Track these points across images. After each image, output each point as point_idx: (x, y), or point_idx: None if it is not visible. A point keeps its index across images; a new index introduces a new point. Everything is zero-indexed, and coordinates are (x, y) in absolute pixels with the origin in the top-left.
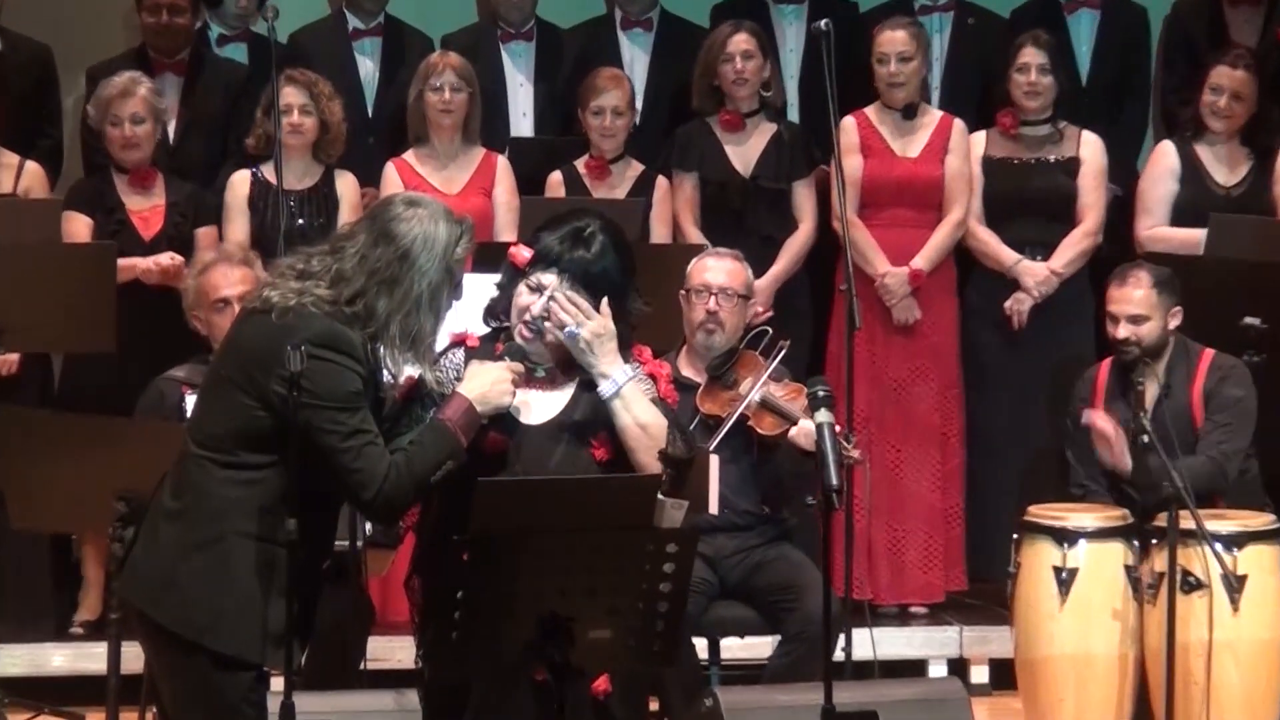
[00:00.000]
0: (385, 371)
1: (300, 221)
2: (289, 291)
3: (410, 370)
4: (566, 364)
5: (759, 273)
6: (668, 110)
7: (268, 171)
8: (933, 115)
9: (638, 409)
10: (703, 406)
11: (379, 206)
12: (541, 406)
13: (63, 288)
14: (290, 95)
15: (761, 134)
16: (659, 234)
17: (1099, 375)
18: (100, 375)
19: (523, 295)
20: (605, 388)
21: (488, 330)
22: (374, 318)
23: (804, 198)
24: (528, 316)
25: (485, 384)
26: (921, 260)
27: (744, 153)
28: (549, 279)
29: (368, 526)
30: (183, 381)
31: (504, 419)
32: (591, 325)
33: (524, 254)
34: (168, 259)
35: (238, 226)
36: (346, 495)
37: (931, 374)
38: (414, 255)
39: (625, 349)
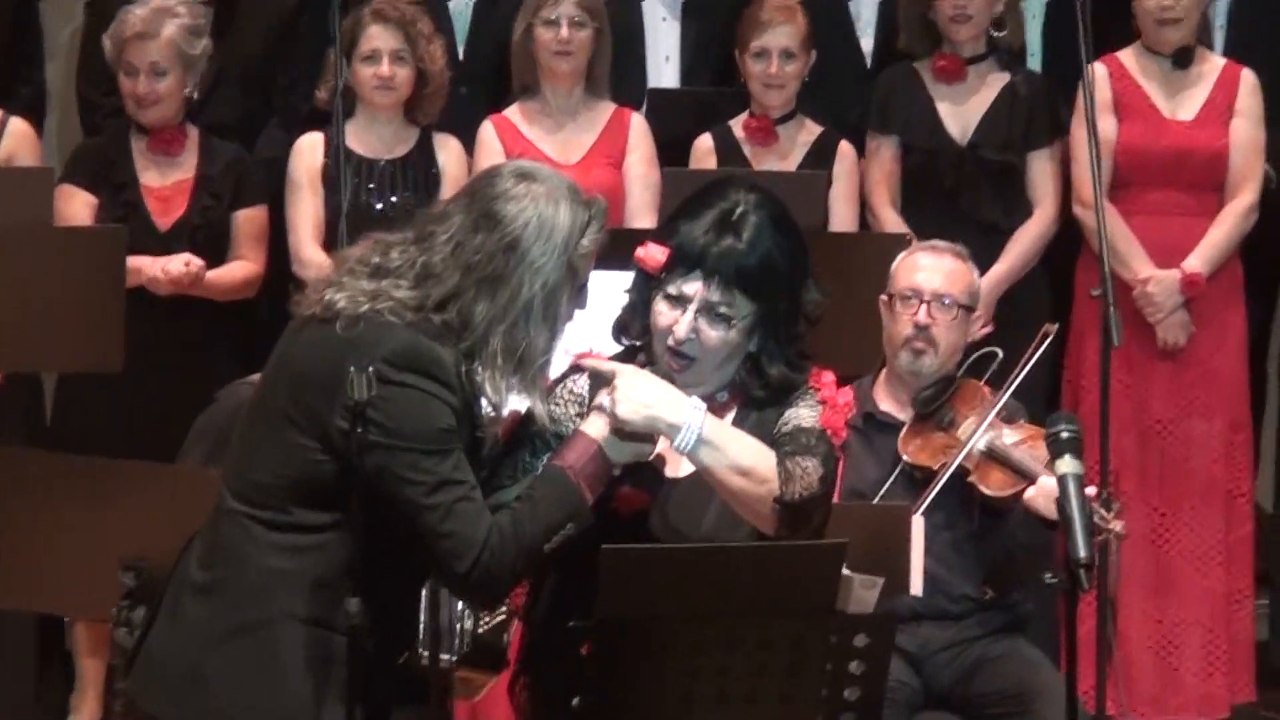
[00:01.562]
0: (484, 401)
1: (393, 200)
2: (359, 294)
3: (516, 401)
4: (733, 390)
5: (981, 272)
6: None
7: (345, 133)
8: (1213, 64)
9: (734, 449)
10: (908, 453)
11: (481, 180)
12: None
13: (56, 286)
14: (378, 37)
15: (989, 87)
16: (843, 218)
17: None
18: (105, 405)
19: (662, 313)
20: (681, 440)
21: (620, 349)
22: (470, 328)
23: (1043, 174)
24: (672, 341)
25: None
26: (1198, 261)
27: (963, 112)
28: (692, 287)
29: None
30: None
31: (643, 469)
32: (619, 382)
33: (656, 256)
34: (180, 265)
35: (306, 208)
36: (433, 566)
37: (1212, 411)
38: (524, 246)
39: (800, 367)
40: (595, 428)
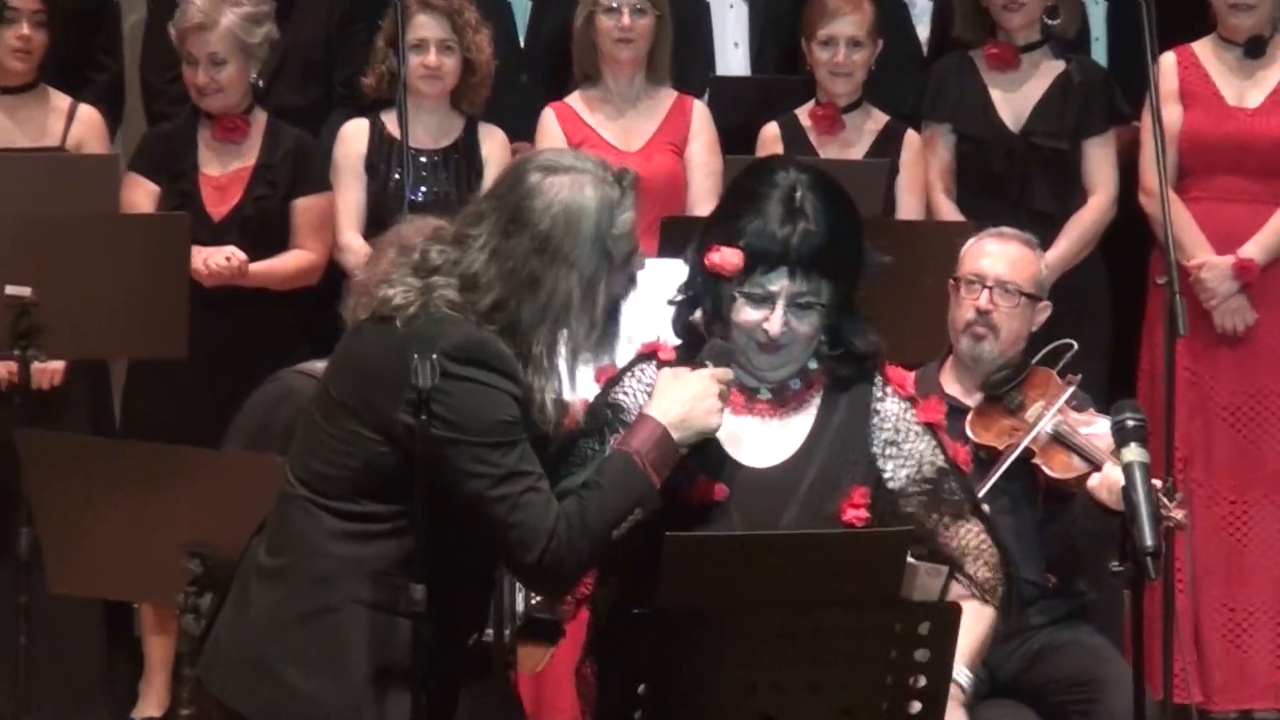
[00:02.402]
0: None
1: (435, 191)
2: (409, 290)
3: (570, 394)
4: (806, 378)
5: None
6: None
7: (391, 123)
8: None
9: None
10: (975, 434)
11: (508, 177)
12: (768, 442)
13: (120, 274)
14: (425, 27)
15: (1043, 75)
16: (909, 207)
17: None
18: (171, 392)
19: (747, 311)
20: None
21: (681, 342)
22: (520, 331)
23: (1099, 160)
24: (766, 339)
25: (684, 402)
26: (1255, 248)
27: (1016, 100)
28: (777, 284)
29: (518, 604)
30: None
31: (717, 458)
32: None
33: (733, 260)
34: (222, 259)
35: (351, 195)
36: (502, 557)
37: (1278, 398)
38: (554, 242)
39: (873, 330)
40: (660, 410)
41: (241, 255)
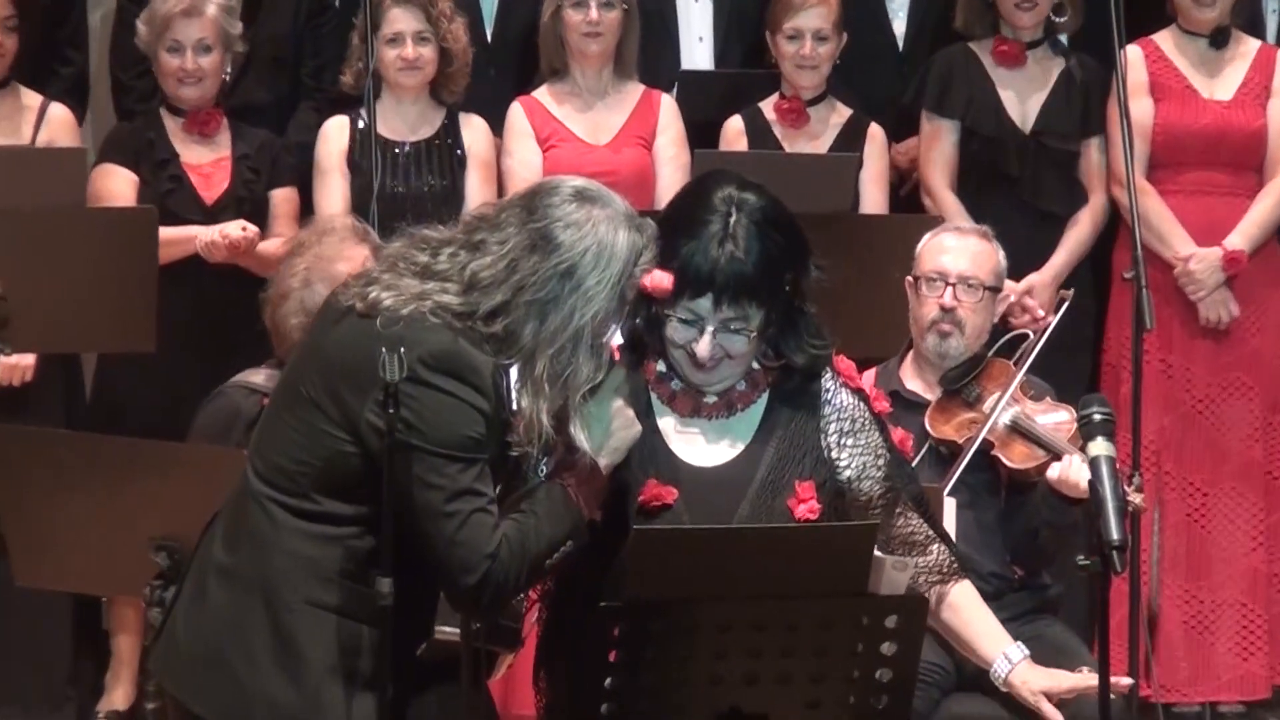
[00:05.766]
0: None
1: (423, 181)
2: (405, 293)
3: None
4: (750, 379)
5: (1040, 260)
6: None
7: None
8: (1250, 44)
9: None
10: (935, 429)
11: (540, 195)
12: (718, 441)
13: (89, 267)
14: (400, 20)
15: (1047, 73)
16: (874, 200)
17: None
18: (147, 385)
19: (678, 331)
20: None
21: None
22: (516, 346)
23: (1095, 162)
24: (696, 362)
25: (607, 431)
26: (1240, 238)
27: (1023, 98)
28: (704, 307)
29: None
30: (264, 392)
31: (666, 461)
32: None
33: (664, 284)
34: (238, 229)
35: (333, 191)
36: (439, 573)
37: (1252, 391)
38: (581, 274)
39: (820, 346)
40: (592, 445)
41: (255, 228)
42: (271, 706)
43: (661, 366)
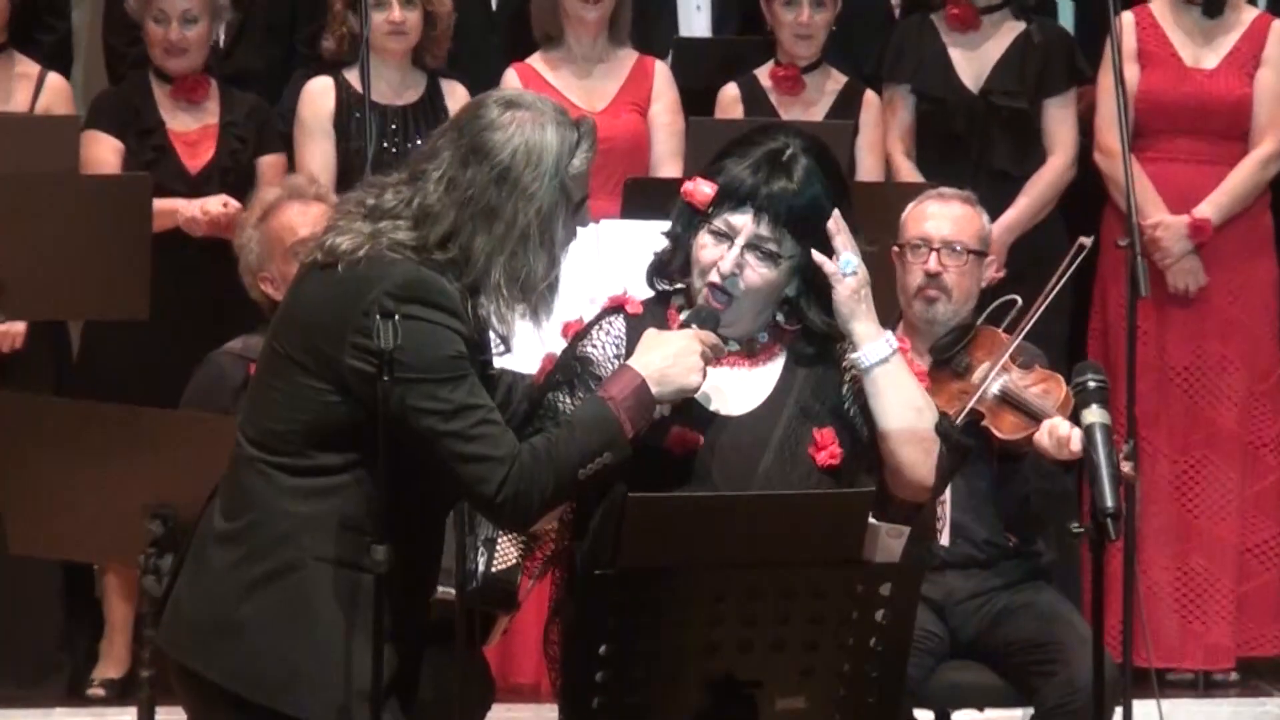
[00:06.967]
0: (492, 334)
1: (407, 145)
2: (359, 235)
3: (528, 333)
4: (773, 333)
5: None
6: None
7: (355, 81)
8: (1246, 13)
9: (909, 385)
10: None
11: (467, 112)
12: (741, 391)
13: (82, 235)
14: None
15: (1003, 35)
16: (869, 167)
17: None
18: (131, 352)
19: (707, 246)
20: (870, 352)
21: (653, 294)
22: (471, 263)
23: (1058, 121)
24: (715, 276)
25: (666, 357)
26: (1209, 207)
27: (976, 60)
28: (741, 220)
29: (479, 565)
30: (249, 358)
31: (692, 408)
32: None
33: (704, 190)
34: (218, 205)
35: (318, 152)
36: (464, 493)
37: (1231, 362)
38: (515, 173)
39: (822, 330)
40: (641, 363)
41: (236, 203)
42: (284, 665)
43: (684, 316)
